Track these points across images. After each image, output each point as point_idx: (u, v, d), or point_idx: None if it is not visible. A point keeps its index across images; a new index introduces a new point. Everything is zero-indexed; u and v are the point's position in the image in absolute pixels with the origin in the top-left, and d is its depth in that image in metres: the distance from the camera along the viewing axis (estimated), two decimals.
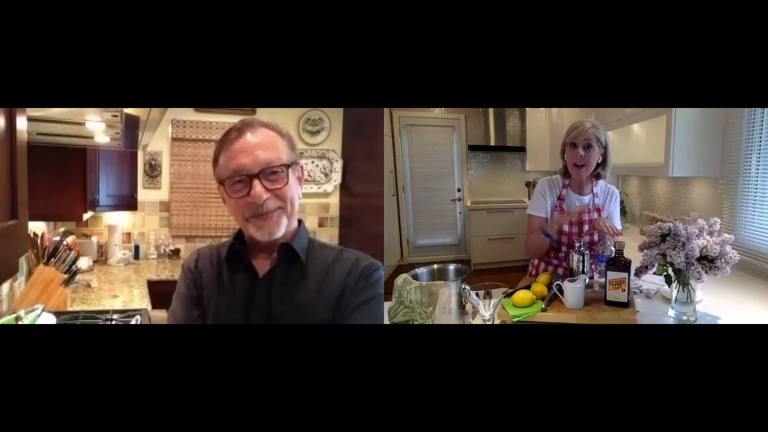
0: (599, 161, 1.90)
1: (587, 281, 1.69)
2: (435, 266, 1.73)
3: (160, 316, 2.46)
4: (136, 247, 4.28)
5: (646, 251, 1.59)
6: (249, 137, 1.09)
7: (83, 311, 2.45)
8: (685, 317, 1.57)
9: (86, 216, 3.01)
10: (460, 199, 5.78)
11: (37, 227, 2.77)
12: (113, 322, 2.26)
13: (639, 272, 1.61)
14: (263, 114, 3.89)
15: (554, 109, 4.82)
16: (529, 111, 5.18)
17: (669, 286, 1.60)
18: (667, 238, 1.53)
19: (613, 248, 1.68)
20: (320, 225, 4.69)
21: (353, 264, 1.13)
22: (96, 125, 2.02)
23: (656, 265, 1.56)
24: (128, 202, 3.95)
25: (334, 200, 4.70)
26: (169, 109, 4.16)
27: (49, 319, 1.80)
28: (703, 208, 2.69)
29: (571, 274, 1.79)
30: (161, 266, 4.06)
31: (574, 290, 1.58)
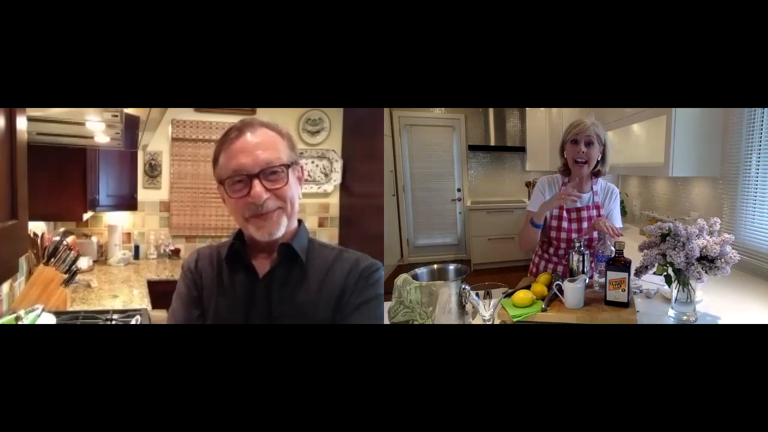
0: (598, 158, 1.92)
1: (587, 281, 1.69)
2: (435, 266, 1.73)
3: (160, 316, 2.46)
4: (136, 247, 4.28)
5: (646, 251, 1.60)
6: (249, 137, 1.09)
7: (83, 311, 2.45)
8: (685, 317, 1.57)
9: (86, 216, 3.01)
10: (460, 199, 5.79)
11: (37, 227, 2.77)
12: (113, 322, 2.26)
13: (639, 272, 1.61)
14: (263, 114, 3.88)
15: (554, 109, 4.82)
16: (529, 111, 5.18)
17: (669, 286, 1.60)
18: (667, 238, 1.53)
19: (613, 248, 1.69)
20: (320, 225, 4.69)
21: (353, 264, 1.13)
22: (96, 125, 2.02)
23: (656, 265, 1.56)
24: (128, 202, 3.95)
25: (334, 200, 4.70)
26: (169, 109, 4.16)
27: (49, 319, 1.80)
28: (703, 208, 2.69)
29: (571, 274, 1.79)
30: (161, 266, 4.06)
31: (574, 290, 1.58)
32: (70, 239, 2.93)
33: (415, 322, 1.54)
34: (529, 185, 5.57)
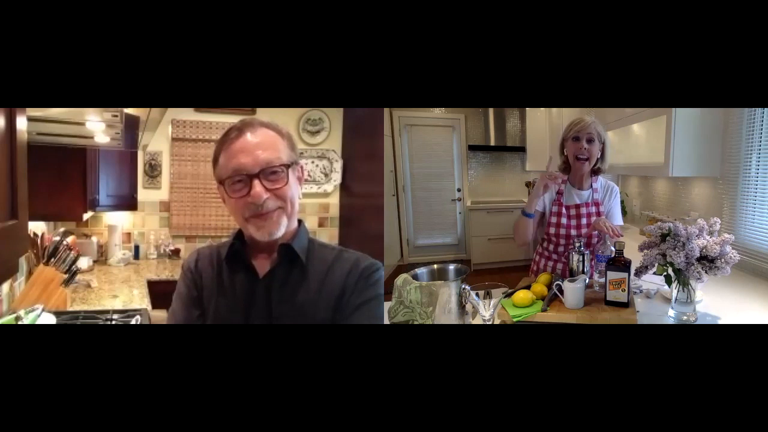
0: (598, 156, 1.95)
1: (587, 281, 1.69)
2: (435, 266, 1.73)
3: (160, 316, 2.46)
4: (136, 247, 4.28)
5: (646, 251, 1.60)
6: (249, 137, 1.09)
7: (83, 311, 2.45)
8: (685, 317, 1.56)
9: (86, 216, 3.01)
10: (460, 199, 5.78)
11: (37, 227, 2.77)
12: (113, 322, 2.26)
13: (639, 272, 1.61)
14: (263, 114, 3.89)
15: (554, 109, 4.82)
16: (529, 111, 5.18)
17: (669, 286, 1.60)
18: (667, 238, 1.53)
19: (613, 248, 1.69)
20: (320, 225, 4.69)
21: (353, 264, 1.13)
22: (96, 125, 2.02)
23: (656, 265, 1.56)
24: (128, 202, 3.95)
25: (334, 200, 4.70)
26: (169, 109, 4.16)
27: (49, 319, 1.80)
28: (703, 208, 2.69)
29: (571, 274, 1.79)
30: (161, 266, 4.06)
31: (574, 290, 1.58)
32: (70, 239, 2.93)
33: (415, 322, 1.54)
34: (529, 185, 5.56)
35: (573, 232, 1.96)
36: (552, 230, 2.01)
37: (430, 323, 1.53)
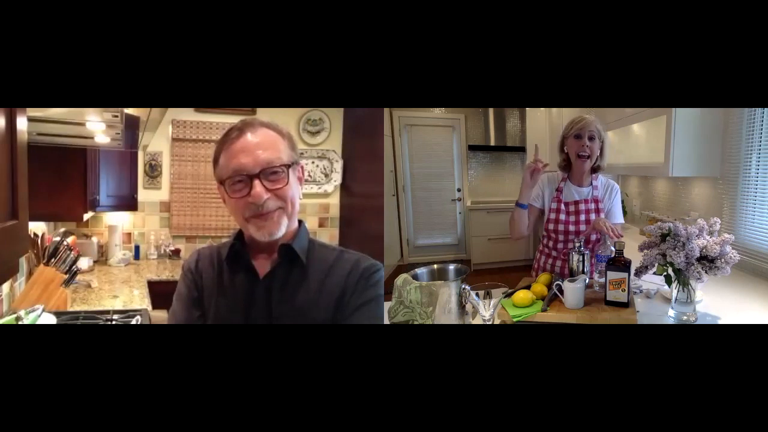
0: (598, 153, 1.97)
1: (587, 281, 1.69)
2: (435, 266, 1.73)
3: (160, 317, 2.46)
4: (137, 248, 4.28)
5: (646, 251, 1.60)
6: (249, 137, 1.09)
7: (83, 311, 2.45)
8: (685, 317, 1.56)
9: (86, 216, 3.01)
10: (460, 199, 5.78)
11: (37, 227, 2.77)
12: (113, 323, 2.26)
13: (639, 272, 1.61)
14: (263, 114, 3.89)
15: (554, 109, 4.82)
16: (529, 111, 5.18)
17: (669, 286, 1.60)
18: (667, 238, 1.53)
19: (613, 248, 1.69)
20: (320, 225, 4.69)
21: (354, 265, 1.13)
22: (96, 125, 2.02)
23: (656, 265, 1.56)
24: (128, 203, 3.96)
25: (334, 200, 4.70)
26: (170, 110, 4.16)
27: (49, 319, 1.80)
28: (703, 208, 2.69)
29: (571, 274, 1.79)
30: (161, 266, 4.06)
31: (574, 290, 1.58)
32: (70, 239, 2.93)
33: (415, 322, 1.54)
34: None
35: (571, 228, 1.98)
36: (551, 226, 2.03)
37: (430, 323, 1.53)
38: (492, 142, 5.67)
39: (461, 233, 5.78)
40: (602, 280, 1.67)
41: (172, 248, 4.29)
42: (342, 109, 4.58)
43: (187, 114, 4.29)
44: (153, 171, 4.31)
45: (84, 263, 3.50)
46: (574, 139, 1.95)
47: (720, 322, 1.59)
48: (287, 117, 4.46)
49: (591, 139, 1.94)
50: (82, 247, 3.53)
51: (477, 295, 1.50)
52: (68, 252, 2.72)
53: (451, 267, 1.73)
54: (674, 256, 1.48)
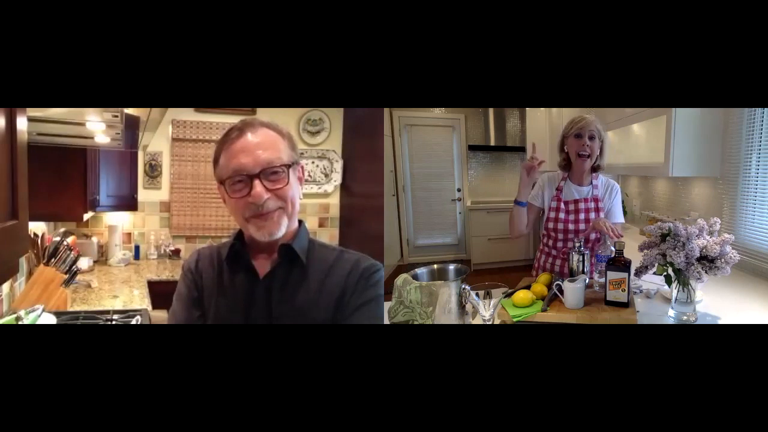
0: (598, 152, 1.98)
1: (587, 281, 1.69)
2: (435, 266, 1.73)
3: (160, 317, 2.46)
4: (137, 248, 4.28)
5: (646, 251, 1.60)
6: (250, 137, 1.09)
7: (83, 311, 2.45)
8: (685, 317, 1.56)
9: (86, 216, 3.01)
10: (460, 199, 5.78)
11: (37, 227, 2.77)
12: (113, 323, 2.26)
13: (639, 272, 1.61)
14: (263, 114, 3.89)
15: (554, 109, 4.82)
16: (529, 111, 5.18)
17: (669, 286, 1.60)
18: (667, 238, 1.53)
19: (613, 248, 1.69)
20: (320, 225, 4.69)
21: (354, 265, 1.13)
22: (96, 125, 2.02)
23: (656, 265, 1.56)
24: (128, 203, 3.96)
25: (334, 200, 4.70)
26: (170, 110, 4.16)
27: (49, 319, 1.80)
28: (703, 208, 2.69)
29: (571, 274, 1.79)
30: (161, 266, 4.06)
31: (574, 290, 1.58)
32: (70, 239, 2.93)
33: (415, 322, 1.54)
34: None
35: (571, 227, 1.98)
36: (550, 225, 2.04)
37: (430, 323, 1.53)
38: (492, 142, 5.67)
39: (461, 233, 5.78)
40: (602, 280, 1.67)
41: (172, 248, 4.29)
42: (342, 109, 4.58)
43: (187, 114, 4.29)
44: (153, 171, 4.31)
45: (84, 263, 3.50)
46: (574, 139, 1.96)
47: (720, 322, 1.59)
48: (287, 117, 4.46)
49: (591, 138, 1.94)
50: (82, 247, 3.54)
51: (477, 295, 1.50)
52: (68, 252, 2.72)
53: (451, 267, 1.73)
54: (674, 256, 1.48)
